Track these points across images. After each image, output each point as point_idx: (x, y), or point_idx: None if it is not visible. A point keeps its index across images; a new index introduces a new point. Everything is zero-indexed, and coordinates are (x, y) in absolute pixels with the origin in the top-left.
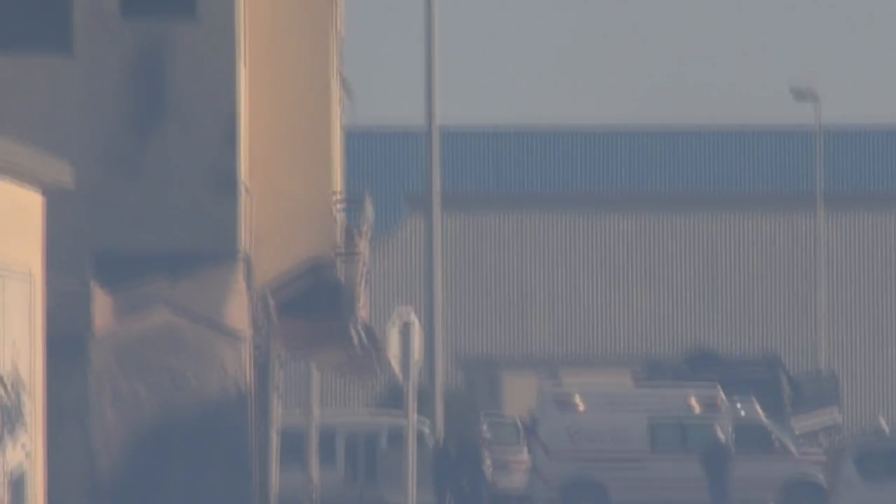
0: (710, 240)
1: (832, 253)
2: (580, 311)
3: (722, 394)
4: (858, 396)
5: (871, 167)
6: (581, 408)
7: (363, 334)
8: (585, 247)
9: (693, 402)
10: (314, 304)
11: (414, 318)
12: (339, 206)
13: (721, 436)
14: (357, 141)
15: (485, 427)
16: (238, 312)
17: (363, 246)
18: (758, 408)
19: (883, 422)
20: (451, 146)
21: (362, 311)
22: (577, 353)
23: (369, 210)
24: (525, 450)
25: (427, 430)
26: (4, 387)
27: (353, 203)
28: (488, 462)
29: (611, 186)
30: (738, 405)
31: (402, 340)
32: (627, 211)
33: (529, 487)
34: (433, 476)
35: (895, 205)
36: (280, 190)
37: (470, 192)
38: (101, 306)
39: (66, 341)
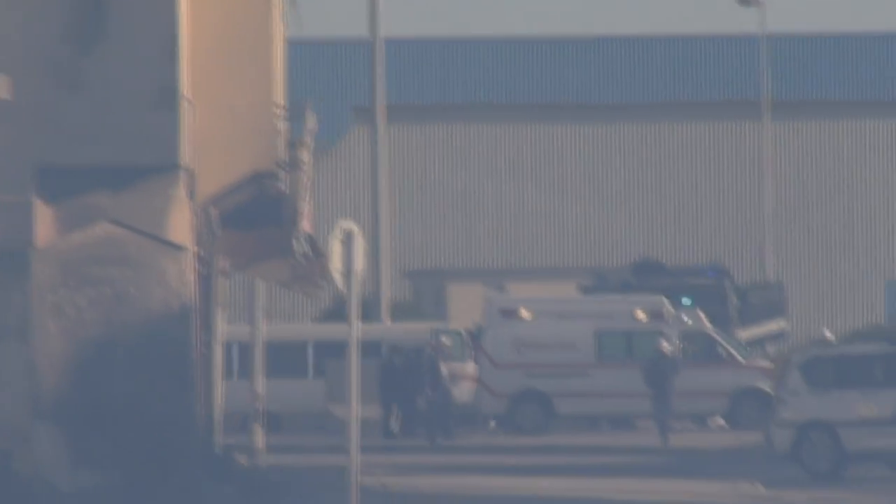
0: (657, 149)
1: (778, 161)
2: (527, 222)
3: (668, 303)
4: (805, 305)
5: (816, 74)
6: (527, 319)
7: (307, 246)
8: (533, 158)
9: (639, 312)
10: (257, 216)
11: (356, 230)
12: (281, 117)
13: (665, 347)
14: (304, 53)
15: (444, 338)
16: (180, 225)
17: (306, 157)
18: (703, 317)
19: (827, 332)
20: (398, 57)
21: (306, 223)
22: (523, 264)
23: (312, 121)
24: (471, 362)
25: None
26: None
27: (295, 114)
28: (446, 373)
29: (557, 96)
30: (684, 315)
31: (344, 252)
32: (574, 121)
33: (476, 399)
34: (379, 388)
35: (840, 112)
36: (222, 102)
37: (416, 104)
38: (43, 220)
39: (6, 255)
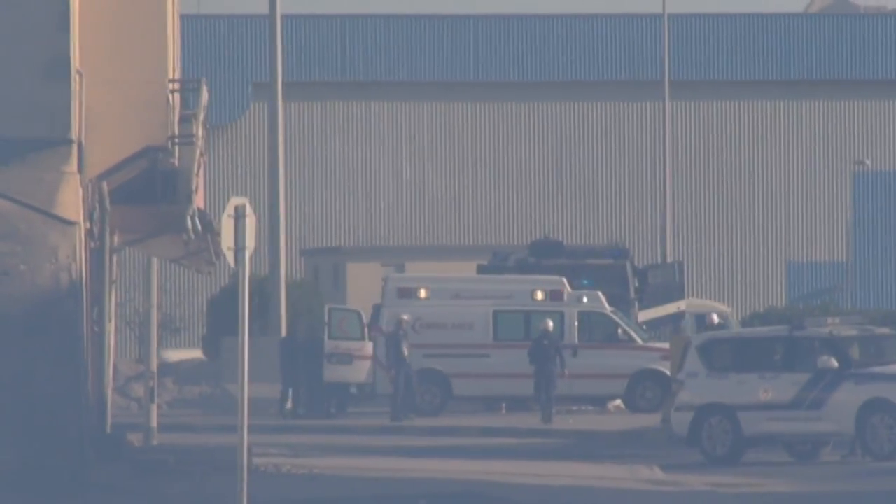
0: (557, 128)
1: (677, 141)
2: (426, 200)
3: (567, 284)
4: (705, 286)
5: (714, 54)
6: (424, 298)
7: (199, 223)
8: (432, 136)
9: (538, 293)
10: (149, 191)
11: (247, 207)
12: (174, 91)
13: (549, 326)
14: (203, 28)
15: (405, 317)
16: (70, 199)
17: (200, 132)
18: (602, 298)
19: (715, 316)
20: (297, 33)
21: (199, 199)
22: (423, 243)
23: (205, 96)
24: (369, 342)
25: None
26: None
27: (189, 89)
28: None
29: (457, 75)
30: (584, 296)
31: (236, 229)
32: (474, 99)
33: (372, 380)
34: (280, 363)
35: (739, 92)
36: (114, 75)
37: (315, 80)
38: None
39: None
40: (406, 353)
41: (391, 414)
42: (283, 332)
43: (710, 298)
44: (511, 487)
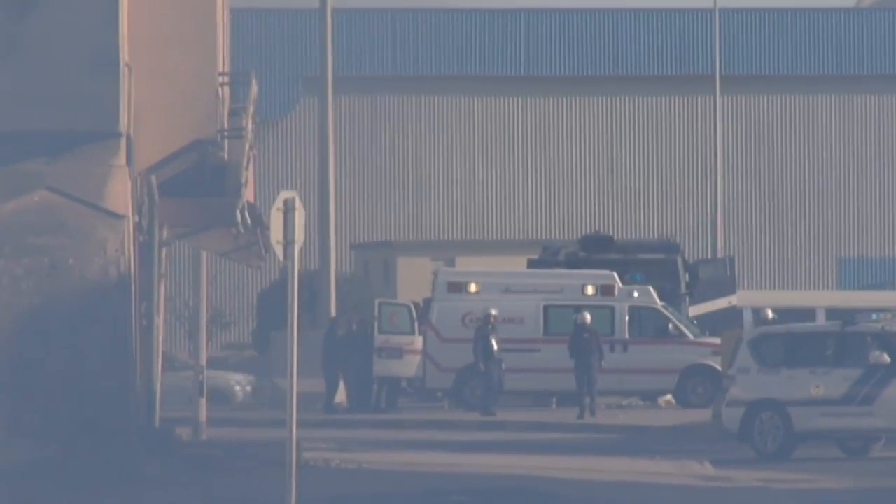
0: (608, 123)
1: (728, 136)
2: (477, 195)
3: (617, 279)
4: (755, 280)
5: (767, 49)
6: (474, 293)
7: (249, 217)
8: (483, 131)
9: (588, 287)
10: (198, 184)
11: (297, 200)
12: (224, 85)
13: (587, 319)
14: (255, 22)
15: (493, 311)
16: (119, 193)
17: (249, 126)
18: (653, 293)
19: (769, 311)
20: (348, 27)
21: (248, 193)
22: (473, 237)
23: (255, 89)
24: (419, 336)
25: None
26: None
27: (239, 82)
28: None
29: (509, 69)
30: (634, 291)
31: (285, 223)
32: (526, 94)
33: (422, 374)
34: (322, 358)
35: (791, 86)
36: (164, 68)
37: (366, 75)
38: None
39: None
40: (495, 347)
41: (482, 408)
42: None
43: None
44: (559, 482)
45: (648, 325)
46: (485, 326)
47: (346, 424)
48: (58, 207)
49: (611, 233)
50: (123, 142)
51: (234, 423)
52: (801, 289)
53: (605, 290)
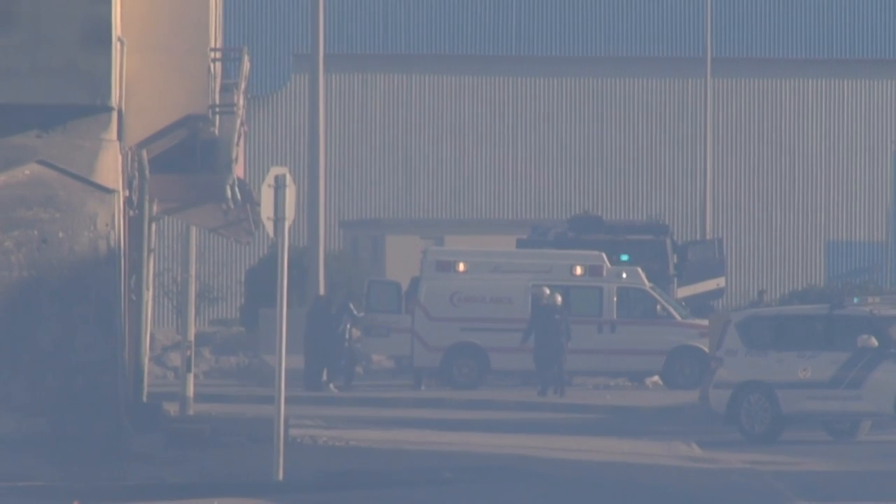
0: (597, 103)
1: (718, 118)
2: (466, 174)
3: (606, 259)
4: (744, 263)
5: (758, 31)
6: (463, 272)
7: (239, 193)
8: (473, 109)
9: (577, 267)
10: (189, 160)
11: (288, 177)
12: (216, 61)
13: (557, 298)
14: None
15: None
16: (110, 167)
17: (240, 102)
18: (641, 274)
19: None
20: (340, 5)
21: (239, 169)
22: (462, 216)
23: (247, 65)
24: (406, 315)
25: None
26: None
27: (231, 58)
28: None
29: (499, 49)
30: (623, 272)
31: (275, 199)
32: (516, 73)
33: (410, 352)
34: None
35: (781, 69)
36: (155, 43)
37: (357, 52)
38: None
39: None
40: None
41: (539, 389)
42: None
43: (750, 276)
44: (547, 462)
45: (636, 306)
46: (554, 304)
47: (334, 402)
48: (48, 181)
49: (600, 213)
50: (115, 116)
51: (222, 399)
52: (789, 272)
53: (594, 270)
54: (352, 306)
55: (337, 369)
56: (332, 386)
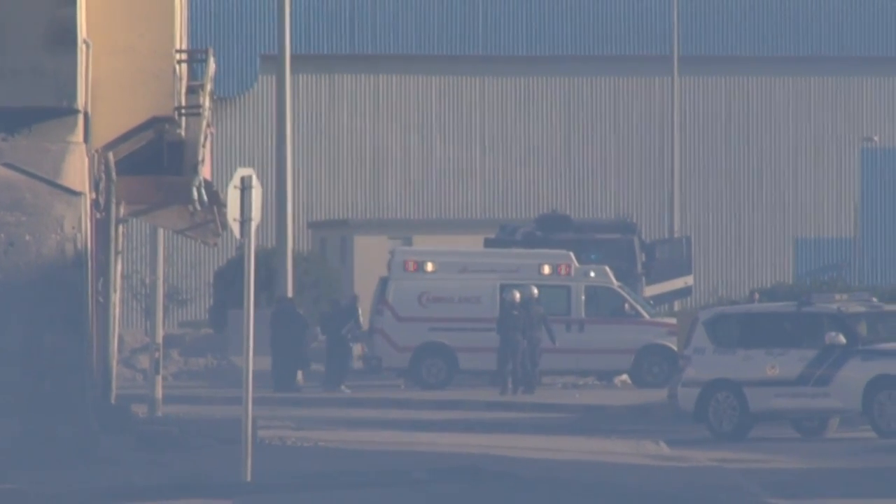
0: (566, 101)
1: (686, 116)
2: (434, 174)
3: (574, 258)
4: (712, 262)
5: (724, 30)
6: (431, 272)
7: (205, 194)
8: (441, 109)
9: (545, 267)
10: (155, 162)
11: (254, 178)
12: (182, 62)
13: (517, 297)
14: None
15: (534, 289)
16: (76, 170)
17: (207, 104)
18: (609, 272)
19: (757, 296)
20: (306, 5)
21: (206, 171)
22: (430, 216)
23: (213, 66)
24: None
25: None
26: None
27: (197, 59)
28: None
29: (466, 47)
30: (591, 270)
31: (242, 200)
32: (483, 73)
33: (379, 352)
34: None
35: (747, 66)
36: (121, 44)
37: (324, 53)
38: None
39: None
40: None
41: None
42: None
43: (718, 274)
44: (515, 461)
45: (605, 305)
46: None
47: (303, 402)
48: (15, 184)
49: (567, 212)
50: (81, 118)
51: (190, 401)
52: (757, 269)
53: (562, 269)
54: (360, 311)
55: (345, 370)
56: (343, 387)
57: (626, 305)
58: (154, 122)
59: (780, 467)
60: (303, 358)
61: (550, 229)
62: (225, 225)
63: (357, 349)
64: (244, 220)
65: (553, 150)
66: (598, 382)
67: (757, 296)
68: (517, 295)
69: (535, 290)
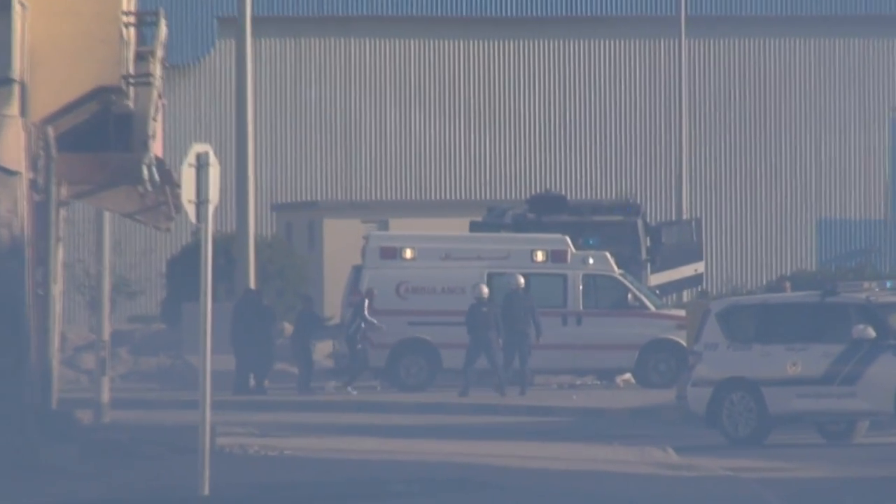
0: (561, 68)
1: (695, 83)
2: (413, 150)
3: (570, 244)
4: (724, 245)
5: None
6: (411, 259)
7: (157, 173)
8: (420, 77)
9: (538, 253)
10: (101, 137)
11: (211, 154)
12: (129, 26)
13: (520, 283)
14: None
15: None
16: (12, 146)
17: (158, 72)
18: (610, 259)
19: (788, 285)
20: None
21: (157, 147)
22: (409, 197)
23: (164, 30)
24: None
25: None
26: None
27: (146, 23)
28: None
29: (448, 8)
30: (589, 257)
31: (198, 180)
32: (468, 35)
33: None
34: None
35: (763, 27)
36: (62, 7)
37: (290, 15)
38: None
39: None
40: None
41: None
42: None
43: (732, 260)
44: (506, 471)
45: (605, 296)
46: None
47: (267, 407)
48: None
49: (563, 192)
50: (17, 89)
51: (141, 406)
52: (776, 255)
53: (557, 255)
54: (367, 305)
55: (356, 370)
56: (349, 388)
57: (629, 296)
58: (99, 93)
59: (803, 476)
60: (269, 357)
61: (544, 211)
62: (179, 208)
63: (323, 347)
64: (200, 202)
65: (547, 122)
66: (598, 382)
67: (788, 284)
68: (485, 289)
69: (522, 280)
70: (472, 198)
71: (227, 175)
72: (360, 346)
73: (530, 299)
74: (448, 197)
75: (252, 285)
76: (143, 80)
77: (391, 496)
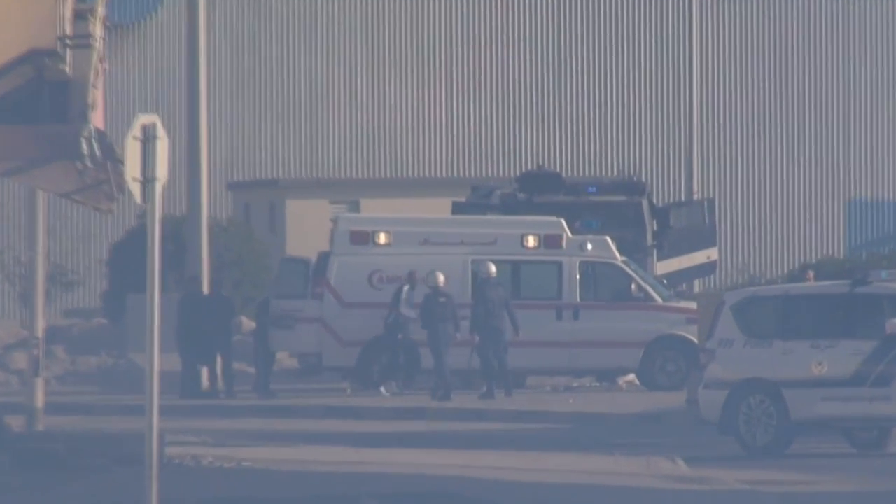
0: (555, 29)
1: (706, 46)
2: (388, 121)
3: (566, 227)
4: (741, 228)
5: None
6: (385, 245)
7: (97, 147)
8: (395, 39)
9: (529, 238)
10: (34, 107)
11: (159, 126)
12: None
13: (492, 271)
14: None
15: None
16: None
17: (99, 32)
18: (612, 245)
19: (811, 274)
20: None
21: (98, 118)
22: (383, 175)
23: None
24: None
25: None
26: None
27: None
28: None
29: None
30: (588, 242)
31: (144, 155)
32: None
33: (319, 348)
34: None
35: None
36: None
37: None
38: None
39: None
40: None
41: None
42: (206, 288)
43: (749, 245)
44: (492, 485)
45: (605, 286)
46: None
47: (222, 412)
48: None
49: (558, 169)
50: None
51: (80, 411)
52: (799, 240)
53: (551, 240)
54: (405, 293)
55: (389, 371)
56: (382, 389)
57: (633, 286)
58: (31, 56)
59: (830, 490)
60: (227, 354)
61: (536, 190)
62: (123, 186)
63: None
64: (147, 180)
65: (539, 90)
66: (598, 384)
67: (811, 274)
68: (441, 277)
69: (493, 268)
70: (455, 175)
71: (178, 149)
72: (401, 335)
73: (505, 290)
74: (427, 174)
75: (205, 274)
76: (82, 41)
77: None
